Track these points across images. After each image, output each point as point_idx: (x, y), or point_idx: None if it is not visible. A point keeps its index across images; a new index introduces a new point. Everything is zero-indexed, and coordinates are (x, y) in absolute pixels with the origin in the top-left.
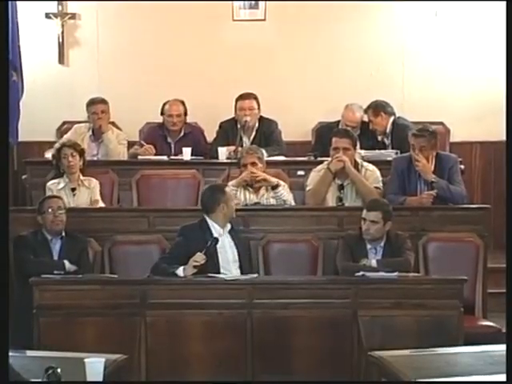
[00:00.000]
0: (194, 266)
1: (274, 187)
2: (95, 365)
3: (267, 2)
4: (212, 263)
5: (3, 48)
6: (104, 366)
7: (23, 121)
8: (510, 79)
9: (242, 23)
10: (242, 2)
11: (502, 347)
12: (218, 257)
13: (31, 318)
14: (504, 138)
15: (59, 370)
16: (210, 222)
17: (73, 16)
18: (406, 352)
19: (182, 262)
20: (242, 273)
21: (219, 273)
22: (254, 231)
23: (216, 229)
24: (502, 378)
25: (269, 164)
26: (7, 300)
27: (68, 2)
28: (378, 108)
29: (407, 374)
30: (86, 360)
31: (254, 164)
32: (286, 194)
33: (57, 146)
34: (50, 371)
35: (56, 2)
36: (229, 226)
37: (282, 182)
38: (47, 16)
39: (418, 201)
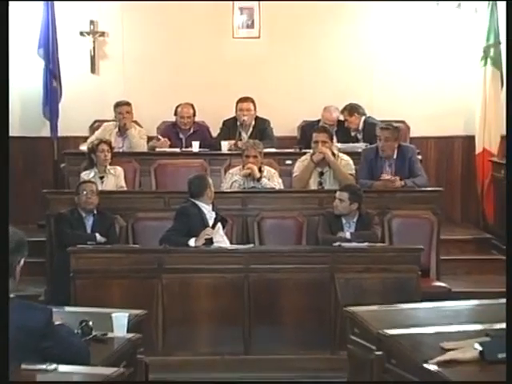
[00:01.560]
0: (206, 239)
1: (258, 179)
2: (120, 318)
3: (261, 23)
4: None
5: (3, 48)
6: (128, 320)
7: (62, 119)
8: (510, 79)
9: (240, 40)
10: (241, 22)
11: (452, 303)
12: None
13: (69, 280)
14: (454, 133)
15: (91, 323)
16: (199, 203)
17: (102, 34)
18: (374, 307)
19: (185, 234)
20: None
21: (212, 242)
22: (251, 209)
23: (206, 208)
24: (452, 328)
25: (264, 155)
26: (7, 301)
27: (98, 22)
28: (352, 109)
29: (374, 326)
30: (112, 314)
31: (255, 157)
32: (269, 182)
33: (95, 141)
34: (84, 324)
35: (88, 22)
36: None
37: (273, 170)
38: (81, 34)
39: (382, 184)
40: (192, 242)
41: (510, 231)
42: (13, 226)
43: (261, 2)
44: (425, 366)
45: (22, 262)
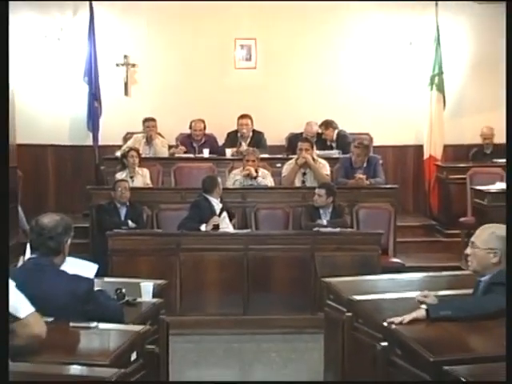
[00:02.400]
0: (214, 225)
1: (255, 178)
2: (147, 287)
3: (257, 57)
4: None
5: (3, 48)
6: (152, 288)
7: (101, 132)
8: (510, 80)
9: (240, 70)
10: (241, 56)
11: (405, 275)
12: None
13: (107, 257)
14: (407, 143)
15: (124, 290)
16: (209, 197)
17: (133, 65)
18: (345, 279)
19: (198, 221)
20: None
21: (219, 228)
22: (249, 202)
23: (214, 201)
24: (406, 295)
25: (259, 160)
26: (7, 304)
27: (130, 56)
28: (328, 124)
29: (345, 293)
30: (141, 284)
31: (252, 161)
32: (263, 181)
33: (126, 149)
34: (118, 291)
35: (123, 56)
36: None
37: (266, 171)
38: (117, 65)
39: (354, 183)
40: (203, 228)
41: (509, 232)
42: (63, 214)
43: (257, 41)
44: (384, 324)
45: (69, 241)
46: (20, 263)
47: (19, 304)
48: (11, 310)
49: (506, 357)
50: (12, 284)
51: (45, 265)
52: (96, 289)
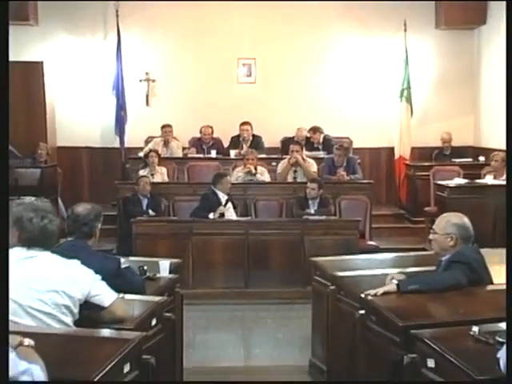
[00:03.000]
0: (220, 214)
1: (254, 174)
2: (165, 264)
3: (256, 73)
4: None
5: (3, 48)
6: (169, 266)
7: (127, 136)
8: (509, 80)
9: (242, 84)
10: (243, 73)
11: (379, 255)
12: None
13: (131, 240)
14: (380, 146)
15: (145, 267)
16: (216, 190)
17: (153, 81)
18: (329, 258)
19: (206, 210)
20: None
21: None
22: (249, 194)
23: (220, 194)
24: (379, 271)
25: (257, 159)
26: (7, 304)
27: (150, 73)
28: (315, 129)
29: (329, 270)
30: (159, 262)
31: (252, 160)
32: (261, 177)
33: (147, 150)
34: (141, 268)
35: (144, 73)
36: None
37: (263, 169)
38: (140, 81)
39: (337, 178)
40: (211, 216)
41: (509, 231)
42: (94, 204)
43: (256, 60)
44: (361, 295)
45: (99, 226)
46: None
47: (103, 294)
48: (96, 301)
49: (506, 355)
50: (89, 271)
51: (80, 246)
52: (123, 266)
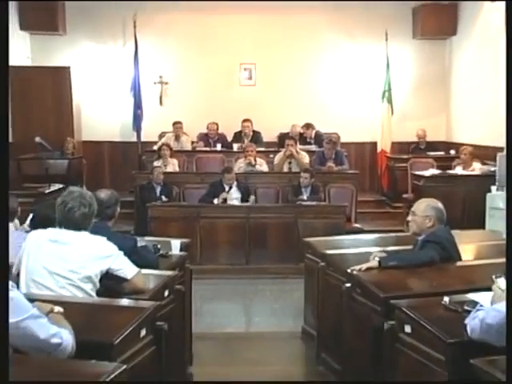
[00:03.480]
0: (223, 199)
1: (254, 165)
2: (176, 243)
3: (256, 77)
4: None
5: (3, 48)
6: (180, 244)
7: (143, 131)
8: (510, 80)
9: (244, 87)
10: (244, 76)
11: (363, 236)
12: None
13: (146, 223)
14: (365, 140)
15: (159, 246)
16: (223, 180)
17: (166, 83)
18: (319, 238)
19: (212, 197)
20: (242, 201)
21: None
22: (250, 183)
23: (226, 182)
24: (364, 250)
25: (257, 152)
26: (7, 304)
27: (163, 76)
28: (308, 126)
29: (320, 248)
30: (171, 241)
31: (252, 151)
32: (260, 167)
33: (159, 145)
34: (155, 246)
35: (158, 76)
36: (235, 183)
37: (262, 160)
38: (154, 83)
39: (327, 169)
40: (215, 201)
41: (509, 229)
42: (113, 190)
43: (256, 65)
44: (348, 270)
45: (118, 209)
46: None
47: (126, 268)
48: (120, 274)
49: (506, 356)
50: (113, 246)
51: (102, 227)
52: (140, 245)
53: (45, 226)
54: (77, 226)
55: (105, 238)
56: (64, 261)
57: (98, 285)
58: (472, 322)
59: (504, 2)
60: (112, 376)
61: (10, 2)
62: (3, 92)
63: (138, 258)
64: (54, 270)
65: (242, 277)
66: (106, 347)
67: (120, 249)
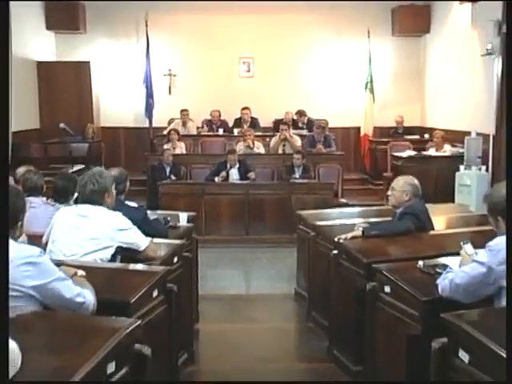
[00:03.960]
0: (223, 177)
1: (252, 148)
2: (183, 216)
3: (254, 69)
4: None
5: (3, 47)
6: (187, 217)
7: (154, 118)
8: (510, 79)
9: (243, 78)
10: (243, 69)
11: (348, 209)
12: (229, 174)
13: (158, 198)
14: (350, 125)
15: (169, 218)
16: (227, 161)
17: (174, 75)
18: (310, 211)
19: (215, 175)
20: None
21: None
22: (249, 163)
23: (229, 164)
24: (349, 221)
25: (255, 136)
26: (7, 304)
27: (172, 69)
28: (300, 113)
29: (310, 220)
30: (179, 214)
31: (250, 135)
32: (257, 150)
33: (169, 130)
34: (165, 218)
35: (167, 69)
36: (237, 164)
37: (259, 143)
38: (164, 75)
39: (316, 151)
40: (217, 179)
41: (509, 227)
42: (123, 169)
43: (254, 59)
44: (335, 239)
45: (128, 185)
46: None
47: (138, 241)
48: (133, 247)
49: (506, 356)
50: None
51: (116, 199)
52: (152, 218)
53: (62, 195)
54: (89, 201)
55: (120, 214)
56: (85, 232)
57: (114, 254)
58: (443, 283)
59: (470, 4)
60: (129, 330)
61: (37, 5)
62: (3, 91)
63: (149, 227)
64: (76, 241)
65: (241, 246)
66: (124, 305)
67: (132, 219)
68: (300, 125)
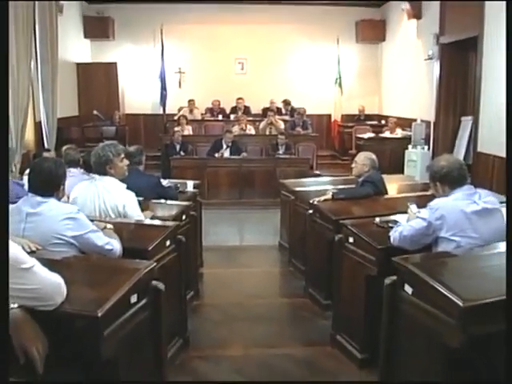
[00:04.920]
0: (221, 154)
1: (245, 130)
2: (190, 184)
3: (248, 68)
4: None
5: (3, 47)
6: (193, 184)
7: (167, 106)
8: (509, 79)
9: (238, 75)
10: (238, 68)
11: (321, 178)
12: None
13: (169, 170)
14: (323, 113)
15: (178, 185)
16: (224, 138)
17: (183, 72)
18: (291, 180)
19: (215, 151)
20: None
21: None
22: (242, 142)
23: (224, 141)
24: (321, 187)
25: (247, 121)
26: (7, 304)
27: (181, 67)
28: (286, 102)
29: (290, 187)
30: (187, 182)
31: (243, 119)
32: (249, 131)
33: (178, 116)
34: (176, 185)
35: (178, 67)
36: (231, 142)
37: (251, 126)
38: (175, 72)
39: (296, 132)
40: (216, 155)
41: (509, 227)
42: (139, 146)
43: (247, 59)
44: (310, 202)
45: (143, 157)
46: None
47: (139, 215)
48: (138, 219)
49: (506, 356)
50: (128, 191)
51: (134, 169)
52: (167, 185)
53: (88, 168)
54: (96, 171)
55: (124, 186)
56: (101, 198)
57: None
58: (394, 234)
59: (415, 20)
60: (147, 269)
61: (77, 19)
62: (3, 90)
63: (162, 190)
64: (102, 203)
65: (236, 207)
66: (143, 252)
67: (147, 184)
68: (283, 111)
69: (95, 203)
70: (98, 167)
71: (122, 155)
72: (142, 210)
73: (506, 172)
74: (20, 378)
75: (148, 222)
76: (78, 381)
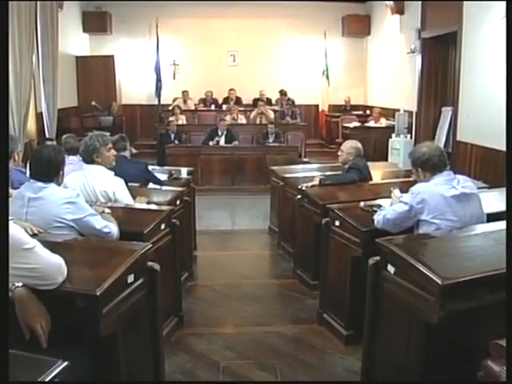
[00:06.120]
0: (216, 141)
1: (236, 120)
2: (184, 171)
3: (239, 60)
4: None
5: (3, 47)
6: (187, 171)
7: (162, 97)
8: (510, 79)
9: (230, 67)
10: (230, 60)
11: (309, 165)
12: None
13: (165, 158)
14: (312, 103)
15: (173, 172)
16: (218, 127)
17: (177, 64)
18: (280, 167)
19: (210, 139)
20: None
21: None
22: (234, 131)
23: (219, 129)
24: (309, 174)
25: (239, 111)
26: (7, 304)
27: (176, 60)
28: (282, 92)
29: (280, 173)
30: (181, 169)
31: (235, 110)
32: (241, 121)
33: (173, 106)
34: (170, 172)
35: (173, 60)
36: (226, 130)
37: (242, 116)
38: (170, 64)
39: (286, 122)
40: (210, 143)
41: (510, 220)
42: (122, 134)
43: (238, 52)
44: (299, 187)
45: (127, 144)
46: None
47: (130, 200)
48: (131, 203)
49: (506, 356)
50: (117, 179)
51: (121, 156)
52: (162, 172)
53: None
54: (83, 160)
55: (112, 174)
56: (90, 185)
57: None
58: (377, 218)
59: (398, 16)
60: (143, 251)
61: (77, 15)
62: (3, 89)
63: (149, 176)
64: (92, 190)
65: (228, 193)
66: (139, 234)
67: (135, 170)
68: (274, 102)
69: (85, 191)
70: (85, 156)
71: (110, 145)
72: (134, 196)
73: (507, 168)
74: (25, 352)
75: (144, 206)
76: (79, 355)
